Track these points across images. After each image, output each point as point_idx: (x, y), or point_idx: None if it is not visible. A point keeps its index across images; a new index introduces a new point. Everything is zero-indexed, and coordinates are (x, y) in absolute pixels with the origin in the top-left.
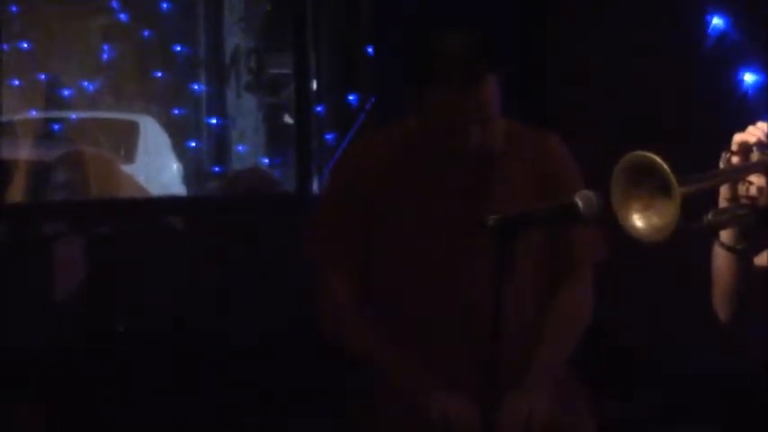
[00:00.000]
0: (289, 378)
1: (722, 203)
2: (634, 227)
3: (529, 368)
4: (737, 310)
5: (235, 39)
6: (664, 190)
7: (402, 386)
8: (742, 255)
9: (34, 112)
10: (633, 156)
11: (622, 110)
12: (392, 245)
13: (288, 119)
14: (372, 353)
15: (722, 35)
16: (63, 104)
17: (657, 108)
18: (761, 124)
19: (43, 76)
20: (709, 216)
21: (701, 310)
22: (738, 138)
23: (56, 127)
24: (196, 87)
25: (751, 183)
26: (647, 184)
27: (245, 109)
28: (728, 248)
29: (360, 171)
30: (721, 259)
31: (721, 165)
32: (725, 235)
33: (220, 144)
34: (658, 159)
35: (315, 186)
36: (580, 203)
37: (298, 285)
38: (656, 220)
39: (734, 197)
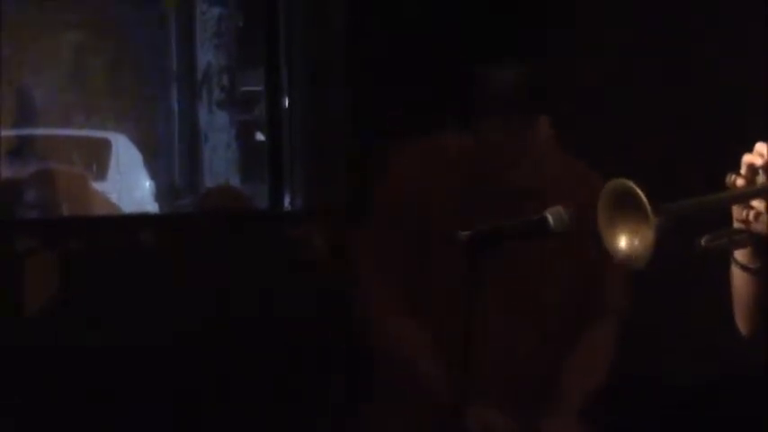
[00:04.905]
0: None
1: (736, 224)
2: (618, 250)
3: (561, 397)
4: (757, 326)
5: (207, 55)
6: (645, 217)
7: (441, 396)
8: (757, 273)
9: (4, 129)
10: (615, 183)
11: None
12: (434, 267)
13: (260, 136)
14: (415, 361)
15: None
16: (34, 121)
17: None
18: (762, 144)
19: (14, 93)
20: (703, 241)
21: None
22: (747, 159)
23: (27, 144)
24: (168, 104)
25: (752, 207)
26: (633, 209)
27: (218, 126)
28: (743, 267)
29: (408, 190)
30: (738, 277)
31: (727, 184)
32: (739, 253)
33: (192, 161)
34: (635, 188)
35: (287, 203)
36: (551, 219)
37: (272, 301)
38: (637, 244)
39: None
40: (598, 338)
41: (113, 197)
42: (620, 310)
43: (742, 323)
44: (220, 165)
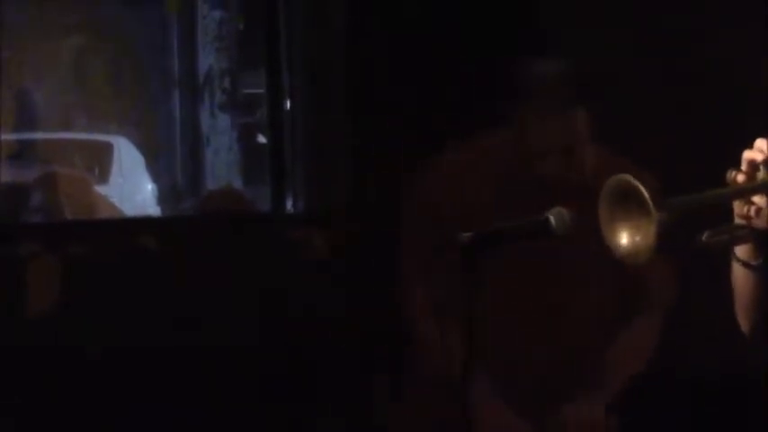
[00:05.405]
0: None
1: (737, 220)
2: (618, 246)
3: (595, 383)
4: (759, 322)
5: (208, 59)
6: (647, 212)
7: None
8: (758, 270)
9: (5, 133)
10: (617, 179)
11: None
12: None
13: (262, 138)
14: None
15: None
16: (36, 125)
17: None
18: (762, 140)
19: (14, 96)
20: (704, 237)
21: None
22: (747, 155)
23: (28, 148)
24: (170, 107)
25: (752, 203)
26: (635, 205)
27: (219, 129)
28: (744, 263)
29: (447, 185)
30: (739, 273)
31: (728, 180)
32: (740, 249)
33: (194, 164)
34: (637, 184)
35: (289, 206)
36: (553, 220)
37: (272, 304)
38: (639, 240)
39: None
40: (638, 333)
41: (116, 200)
42: (664, 303)
43: (743, 319)
44: (222, 167)
